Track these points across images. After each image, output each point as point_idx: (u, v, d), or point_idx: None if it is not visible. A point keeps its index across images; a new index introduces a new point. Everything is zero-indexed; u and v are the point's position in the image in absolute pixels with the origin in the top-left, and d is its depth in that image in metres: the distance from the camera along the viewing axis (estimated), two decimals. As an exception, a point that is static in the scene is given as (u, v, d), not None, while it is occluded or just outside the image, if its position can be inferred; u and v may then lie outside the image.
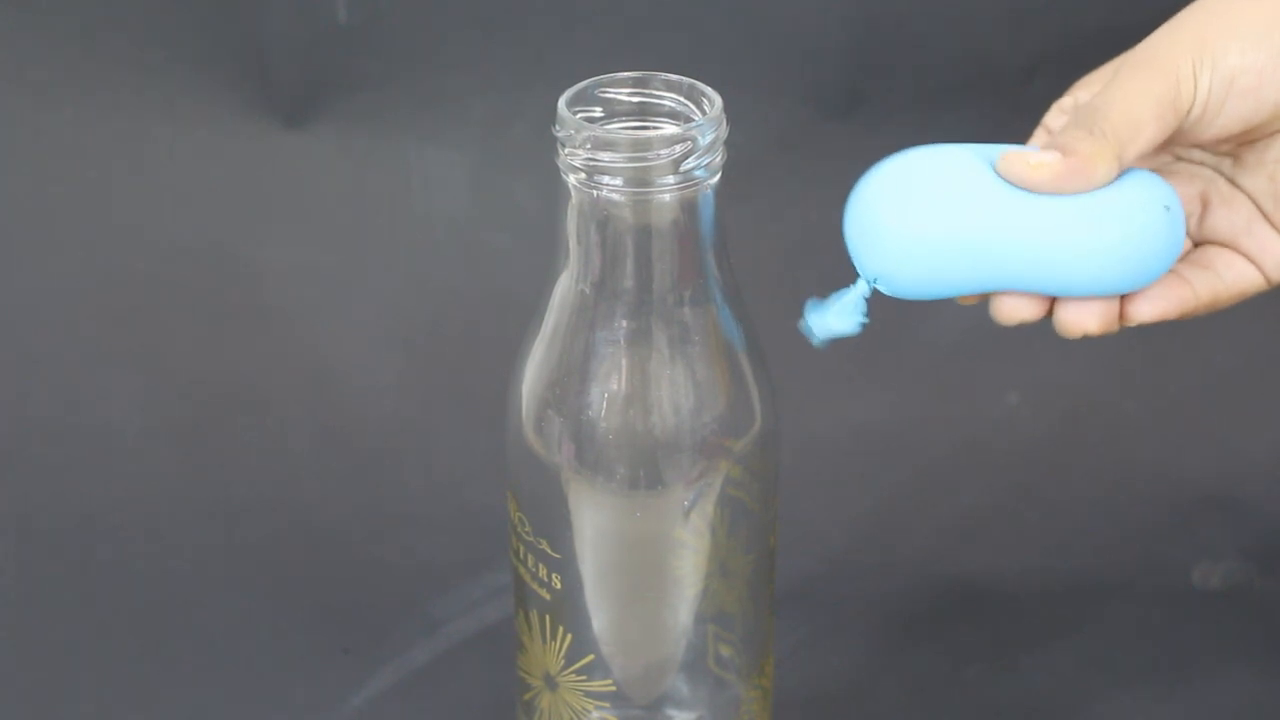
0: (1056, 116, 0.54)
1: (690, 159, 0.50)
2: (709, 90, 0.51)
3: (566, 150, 0.50)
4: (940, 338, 0.77)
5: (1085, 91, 0.53)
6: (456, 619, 0.70)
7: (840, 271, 0.77)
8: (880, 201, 0.49)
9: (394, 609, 0.70)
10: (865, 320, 0.50)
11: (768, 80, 0.79)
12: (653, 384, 0.52)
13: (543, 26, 0.80)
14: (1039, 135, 0.54)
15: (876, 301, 0.51)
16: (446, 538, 0.73)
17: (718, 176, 0.50)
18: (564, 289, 0.52)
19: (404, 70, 0.81)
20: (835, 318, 0.50)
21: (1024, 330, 0.80)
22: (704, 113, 0.51)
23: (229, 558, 0.73)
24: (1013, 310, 0.50)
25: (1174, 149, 0.53)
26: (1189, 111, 0.49)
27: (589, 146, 0.50)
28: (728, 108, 0.50)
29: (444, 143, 0.82)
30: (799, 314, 0.52)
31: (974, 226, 0.48)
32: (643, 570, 0.55)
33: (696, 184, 0.50)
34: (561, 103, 0.51)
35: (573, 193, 0.51)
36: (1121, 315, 0.50)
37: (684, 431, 0.52)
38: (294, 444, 0.78)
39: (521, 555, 0.56)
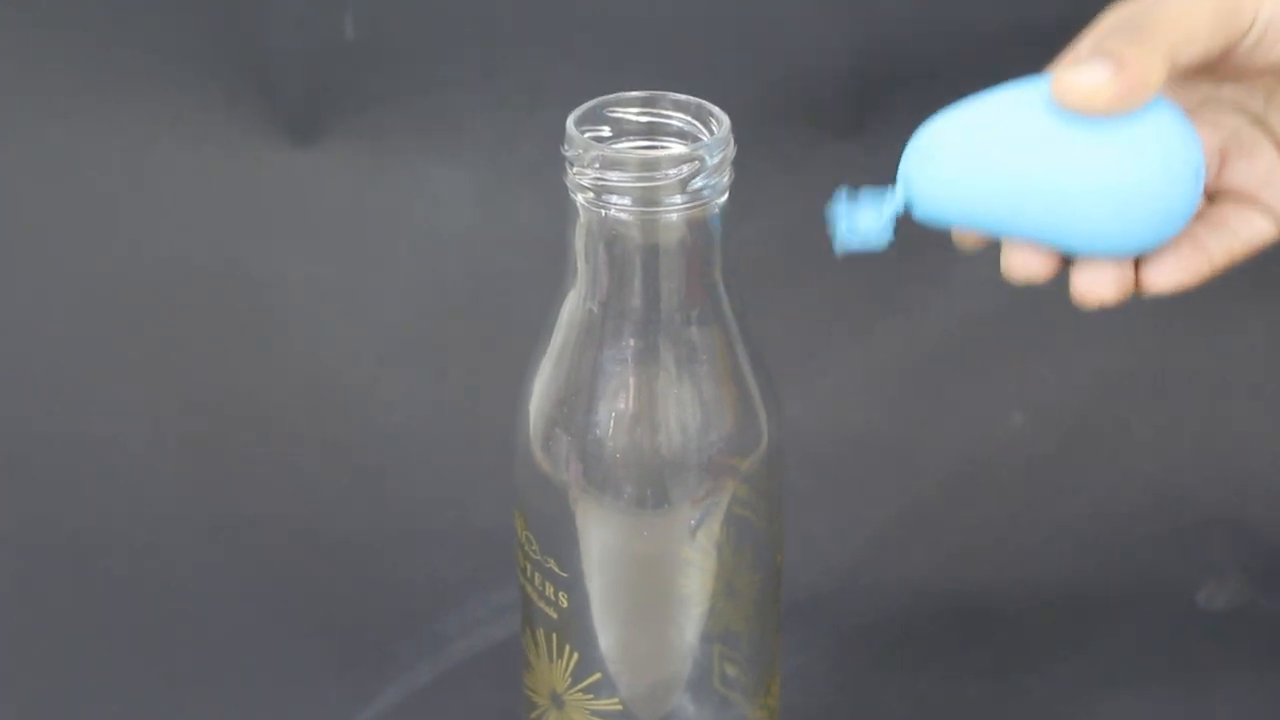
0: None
1: (698, 179, 0.50)
2: (716, 110, 0.51)
3: (575, 169, 0.50)
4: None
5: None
6: (463, 636, 0.70)
7: (846, 293, 0.77)
8: (946, 135, 0.49)
9: (400, 626, 0.70)
10: (893, 239, 0.50)
11: (773, 100, 0.79)
12: (660, 403, 0.52)
13: (550, 45, 0.80)
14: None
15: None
16: (453, 555, 0.73)
17: (725, 196, 0.51)
18: (572, 307, 0.52)
19: (411, 88, 0.81)
20: (867, 221, 0.50)
21: (1029, 349, 0.81)
22: (712, 132, 0.51)
23: (234, 573, 0.73)
24: (1023, 265, 0.49)
25: (1213, 78, 0.51)
26: (1246, 32, 0.47)
27: (597, 166, 0.50)
28: (733, 127, 0.51)
29: (451, 160, 0.82)
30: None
31: (1012, 159, 0.48)
32: (649, 589, 0.55)
33: (704, 203, 0.50)
34: (570, 122, 0.51)
35: (581, 212, 0.51)
36: (1138, 284, 0.49)
37: (691, 450, 0.52)
38: (300, 460, 0.78)
39: (529, 574, 0.56)
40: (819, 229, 0.82)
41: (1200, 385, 0.80)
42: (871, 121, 0.80)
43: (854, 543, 0.74)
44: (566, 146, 0.50)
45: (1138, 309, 0.81)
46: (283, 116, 0.81)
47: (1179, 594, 0.72)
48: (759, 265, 0.78)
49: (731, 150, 0.50)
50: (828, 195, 0.81)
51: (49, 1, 0.81)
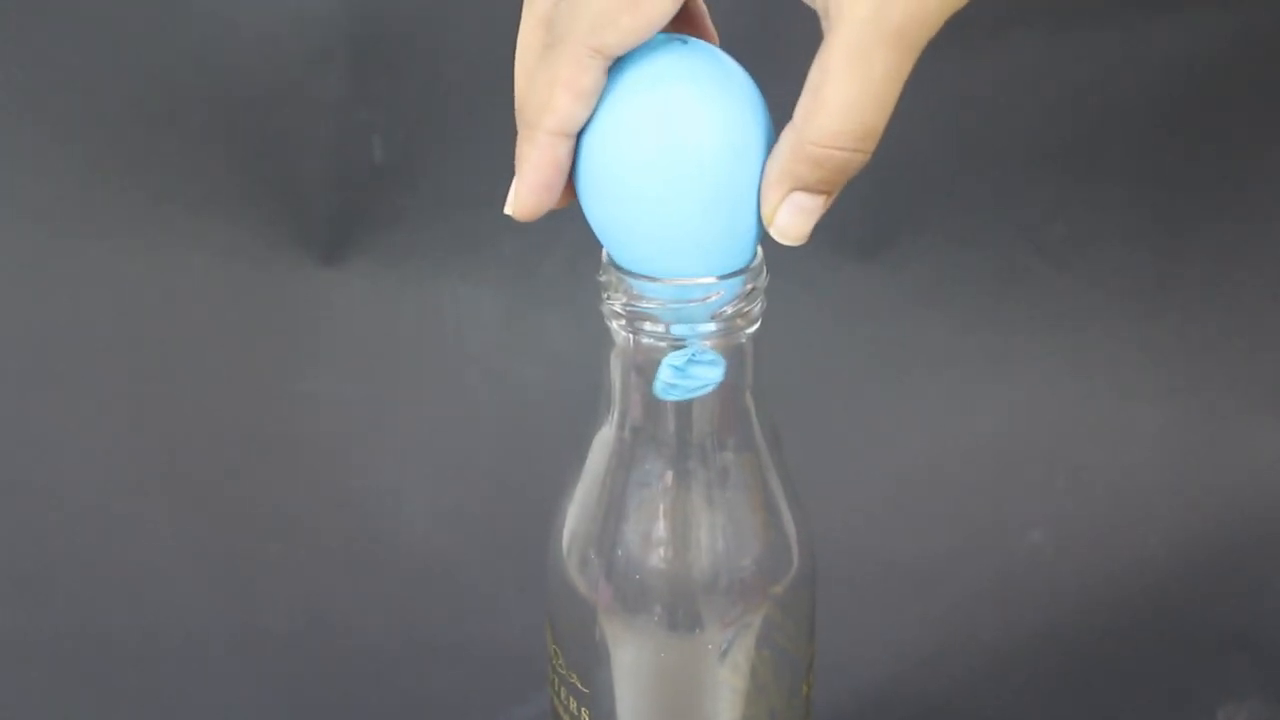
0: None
1: (730, 307, 0.50)
2: (749, 240, 0.52)
3: (608, 296, 0.51)
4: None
5: None
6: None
7: (872, 413, 0.77)
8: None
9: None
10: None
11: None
12: (692, 528, 0.52)
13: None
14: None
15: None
16: (479, 669, 0.73)
17: (758, 324, 0.51)
18: (604, 432, 0.53)
19: (437, 208, 0.82)
20: (704, 368, 0.50)
21: (1048, 468, 0.81)
22: (744, 261, 0.51)
23: (260, 686, 0.73)
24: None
25: None
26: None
27: (631, 294, 0.50)
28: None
29: (476, 279, 0.83)
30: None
31: None
32: (678, 710, 0.55)
33: (737, 332, 0.51)
34: (605, 250, 0.52)
35: (615, 338, 0.51)
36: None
37: (722, 575, 0.53)
38: (327, 575, 0.78)
39: (556, 687, 0.56)
40: (842, 349, 0.83)
41: (1219, 502, 0.80)
42: (891, 242, 0.81)
43: (879, 661, 0.74)
44: (600, 274, 0.51)
45: (1158, 425, 0.82)
46: (312, 236, 0.83)
47: (1199, 713, 0.72)
48: (782, 386, 0.79)
49: (764, 279, 0.51)
50: (850, 316, 0.82)
51: (88, 125, 0.82)
